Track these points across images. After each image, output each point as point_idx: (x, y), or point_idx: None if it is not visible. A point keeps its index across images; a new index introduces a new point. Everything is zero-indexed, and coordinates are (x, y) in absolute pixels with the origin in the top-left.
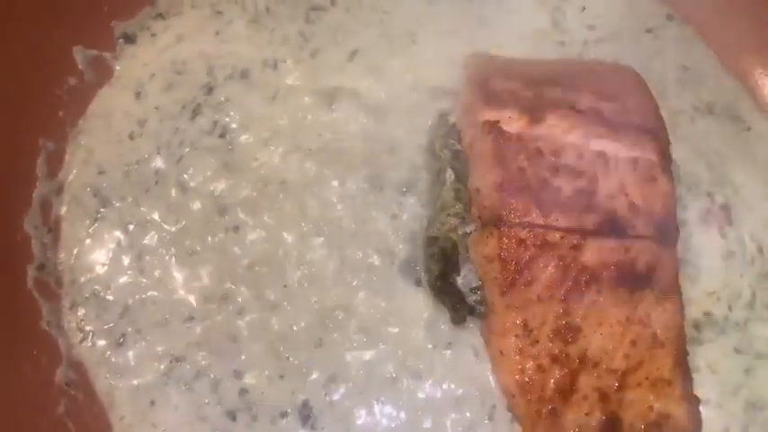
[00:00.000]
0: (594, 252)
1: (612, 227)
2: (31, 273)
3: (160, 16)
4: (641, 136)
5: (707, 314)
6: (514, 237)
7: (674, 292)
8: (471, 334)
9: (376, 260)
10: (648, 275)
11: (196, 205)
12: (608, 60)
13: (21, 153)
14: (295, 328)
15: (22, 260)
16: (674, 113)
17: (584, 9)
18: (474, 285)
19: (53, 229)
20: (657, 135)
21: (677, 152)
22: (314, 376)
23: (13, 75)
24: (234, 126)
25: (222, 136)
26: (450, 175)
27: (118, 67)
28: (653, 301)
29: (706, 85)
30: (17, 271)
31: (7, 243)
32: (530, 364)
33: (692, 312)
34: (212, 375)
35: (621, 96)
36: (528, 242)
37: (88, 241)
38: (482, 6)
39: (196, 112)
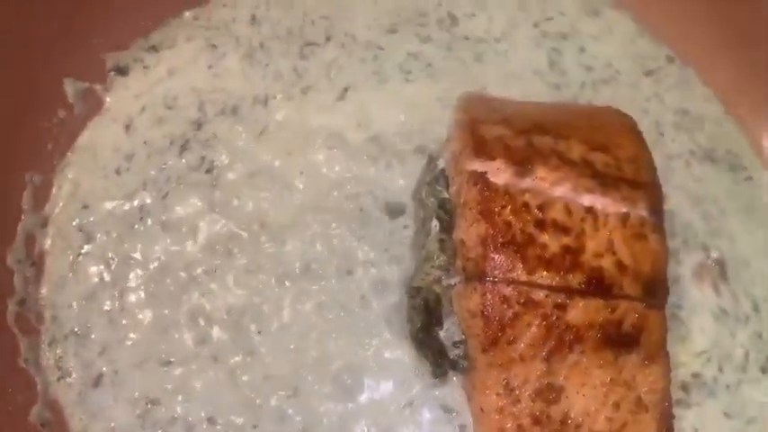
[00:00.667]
0: (579, 312)
1: (599, 286)
2: (11, 308)
3: (153, 48)
4: (633, 191)
5: (696, 375)
6: (498, 293)
7: (660, 354)
8: (451, 391)
9: (357, 309)
10: (635, 337)
11: (178, 245)
12: (603, 104)
13: (7, 186)
14: (270, 375)
15: (3, 295)
16: (670, 158)
17: (582, 50)
18: (457, 339)
19: (36, 263)
20: (650, 190)
21: (672, 201)
22: (287, 427)
23: (1, 106)
24: (220, 163)
25: (209, 171)
26: (435, 225)
27: (108, 100)
28: (638, 363)
29: (705, 129)
30: None
31: None
32: (510, 424)
33: (680, 373)
34: (189, 420)
35: (614, 147)
36: (512, 299)
37: (71, 276)
38: (478, 44)
39: (184, 148)
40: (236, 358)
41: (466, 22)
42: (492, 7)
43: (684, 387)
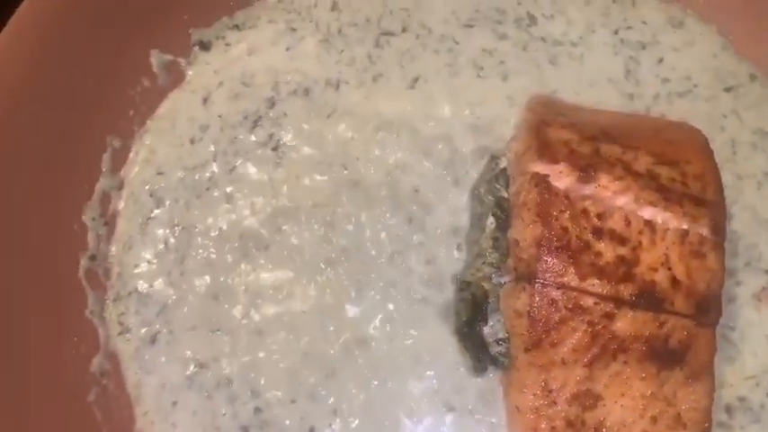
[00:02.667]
0: (627, 323)
1: (649, 300)
2: (83, 262)
3: (236, 27)
4: (696, 208)
5: (742, 399)
6: (546, 295)
7: (705, 374)
8: (488, 388)
9: (403, 298)
10: (681, 354)
11: (237, 217)
12: (677, 117)
13: (89, 147)
14: (309, 354)
15: (77, 249)
16: (741, 178)
17: (661, 61)
18: (500, 336)
19: (109, 222)
20: (714, 209)
21: (739, 221)
22: (320, 406)
23: (91, 72)
24: (287, 141)
25: (275, 149)
26: (491, 222)
27: (190, 73)
28: (681, 380)
29: None
30: (71, 258)
31: (66, 230)
32: (544, 425)
33: (726, 395)
34: (232, 388)
35: (682, 162)
36: (560, 303)
37: (139, 238)
38: (554, 46)
39: (256, 124)
40: (279, 334)
41: (544, 22)
42: (572, 10)
43: (728, 409)
